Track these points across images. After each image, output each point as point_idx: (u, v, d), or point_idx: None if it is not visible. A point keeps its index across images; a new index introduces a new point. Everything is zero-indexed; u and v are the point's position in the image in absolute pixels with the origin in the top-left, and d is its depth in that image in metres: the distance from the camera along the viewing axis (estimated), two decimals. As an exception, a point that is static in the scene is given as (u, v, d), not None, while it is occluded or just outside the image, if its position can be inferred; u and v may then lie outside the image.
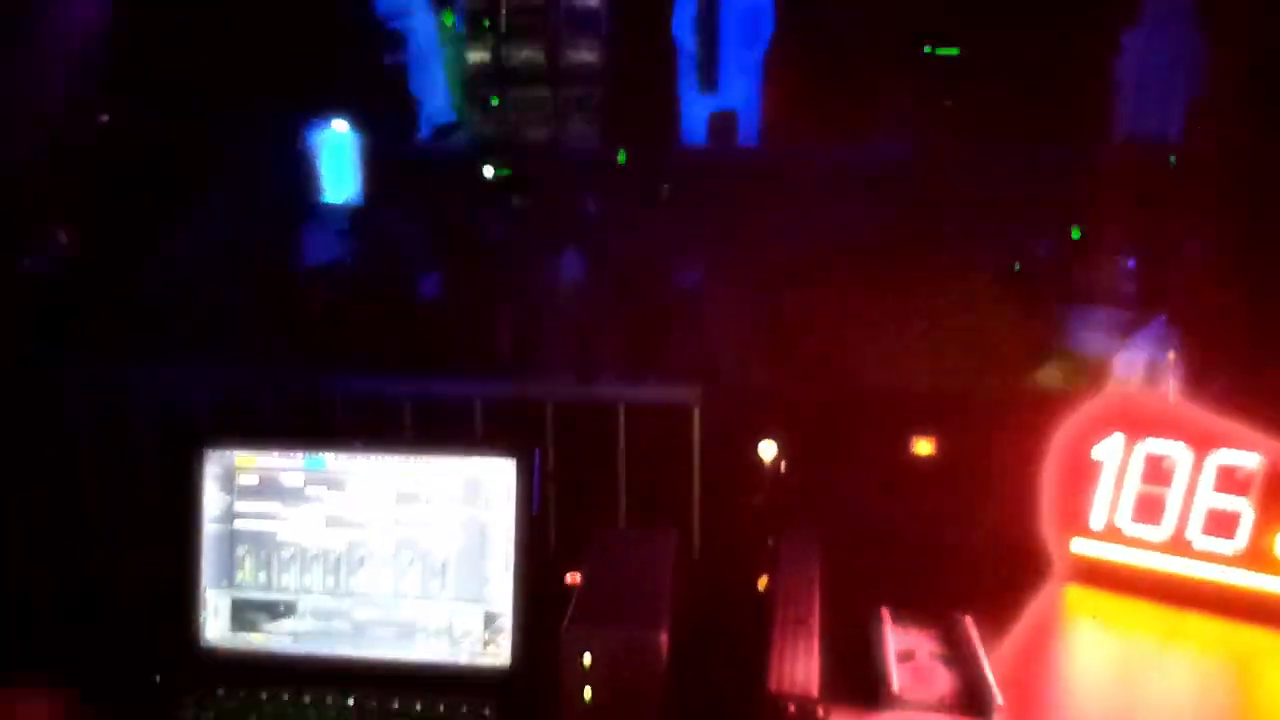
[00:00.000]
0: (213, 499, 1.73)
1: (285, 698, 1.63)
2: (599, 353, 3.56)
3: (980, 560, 1.45)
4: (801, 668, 1.17)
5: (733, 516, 1.71)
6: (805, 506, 1.62)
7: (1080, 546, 1.45)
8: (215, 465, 1.74)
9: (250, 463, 1.73)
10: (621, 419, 2.74)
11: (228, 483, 1.73)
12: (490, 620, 1.66)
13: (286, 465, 1.72)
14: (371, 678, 1.66)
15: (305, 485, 1.72)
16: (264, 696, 1.63)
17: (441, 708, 1.59)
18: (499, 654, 1.65)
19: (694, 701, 1.32)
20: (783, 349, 2.84)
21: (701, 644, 1.42)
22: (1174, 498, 1.39)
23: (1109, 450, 1.42)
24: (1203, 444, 1.38)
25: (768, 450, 1.80)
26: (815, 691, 1.13)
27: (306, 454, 1.72)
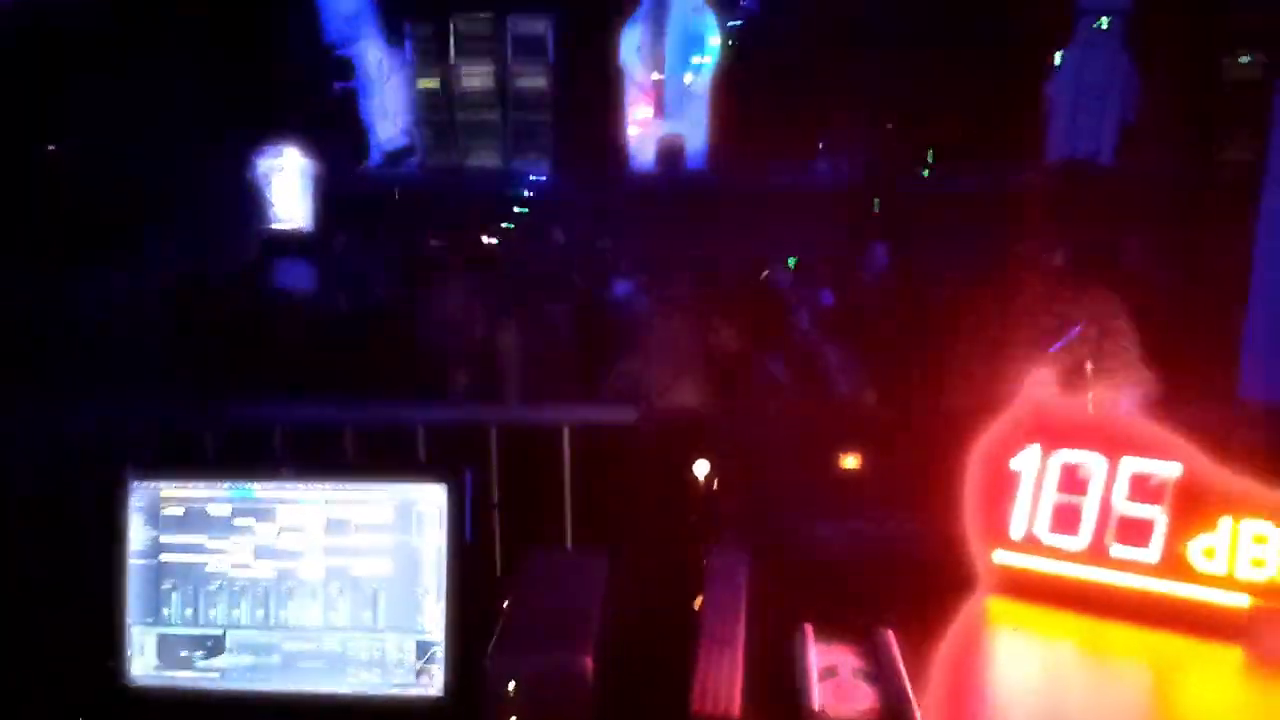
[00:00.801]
0: (138, 532, 1.70)
1: (213, 735, 1.59)
2: (547, 377, 3.57)
3: (904, 573, 1.47)
4: (725, 688, 1.17)
5: (667, 535, 1.71)
6: (735, 524, 1.62)
7: (1001, 557, 1.47)
8: (140, 498, 1.70)
9: (176, 494, 1.70)
10: (566, 441, 2.74)
11: (153, 515, 1.70)
12: (423, 650, 1.64)
13: (213, 495, 1.69)
14: (303, 712, 1.64)
15: (233, 515, 1.69)
16: (191, 734, 1.59)
17: (374, 740, 1.57)
18: (432, 684, 1.63)
19: (620, 722, 1.32)
20: (717, 371, 2.86)
21: (631, 665, 1.42)
22: (1090, 507, 1.42)
23: (1026, 461, 1.45)
24: (1116, 452, 1.41)
25: (701, 469, 1.80)
26: (737, 712, 1.13)
27: (233, 484, 1.69)
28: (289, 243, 7.30)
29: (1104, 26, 8.63)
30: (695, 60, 9.08)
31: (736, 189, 7.98)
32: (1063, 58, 8.84)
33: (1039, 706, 1.27)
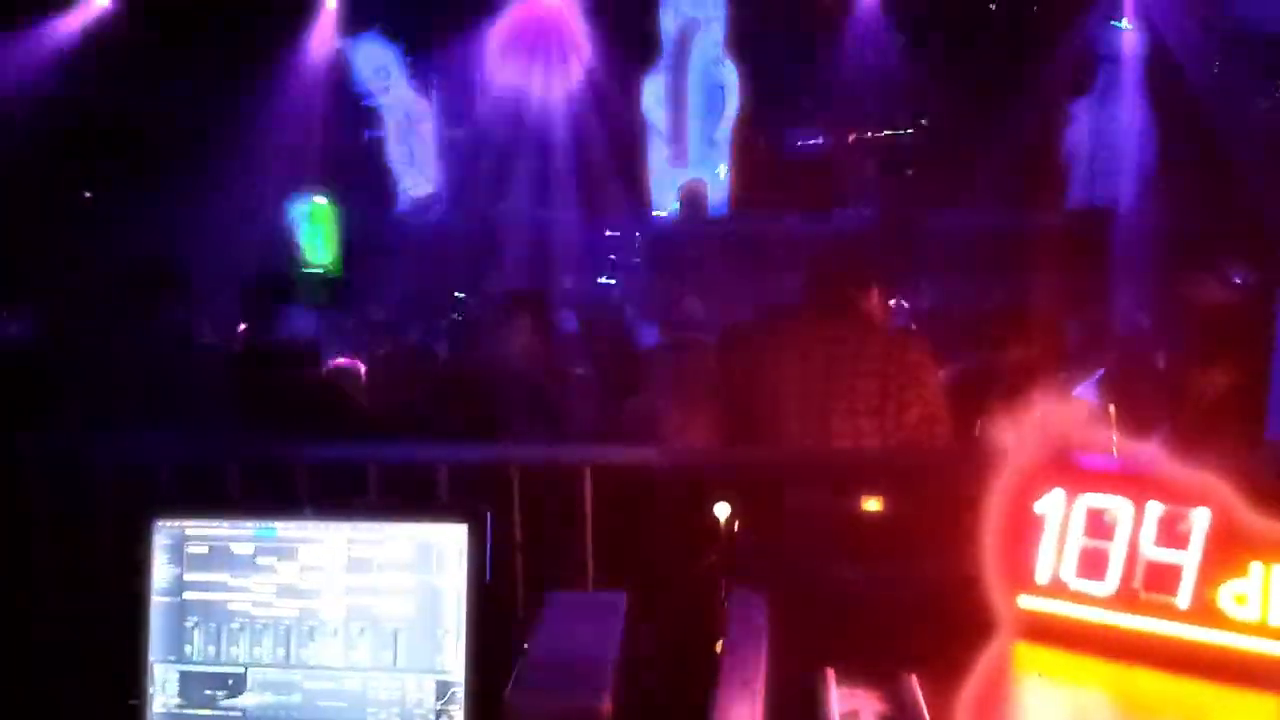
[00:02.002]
0: (162, 570, 1.71)
1: (232, 774, 1.59)
2: (568, 417, 3.57)
3: (928, 618, 1.45)
4: (745, 731, 1.16)
5: (687, 577, 1.70)
6: (756, 567, 1.62)
7: (1026, 602, 1.45)
8: (164, 536, 1.72)
9: (200, 533, 1.71)
10: (588, 482, 2.74)
11: (177, 554, 1.71)
12: (443, 690, 1.64)
13: (237, 534, 1.71)
14: (322, 752, 1.63)
15: (256, 554, 1.70)
16: (210, 773, 1.59)
17: (392, 782, 1.56)
18: (452, 725, 1.62)
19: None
20: (738, 413, 2.86)
21: (650, 707, 1.41)
22: (1117, 552, 1.40)
23: (1050, 505, 1.44)
24: (1143, 496, 1.39)
25: (722, 511, 1.80)
26: (757, 755, 1.11)
27: (257, 523, 1.71)
28: (306, 286, 7.40)
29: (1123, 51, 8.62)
30: (715, 109, 9.22)
31: (756, 235, 8.04)
32: (1080, 105, 8.89)
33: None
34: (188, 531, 1.71)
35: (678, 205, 8.94)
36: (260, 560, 1.70)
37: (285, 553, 1.70)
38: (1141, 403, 2.46)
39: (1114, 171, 8.48)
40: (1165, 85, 8.36)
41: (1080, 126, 8.59)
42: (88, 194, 8.98)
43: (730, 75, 9.28)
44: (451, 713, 1.62)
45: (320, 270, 8.39)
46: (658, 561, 1.86)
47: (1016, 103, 8.19)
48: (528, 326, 3.70)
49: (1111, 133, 8.57)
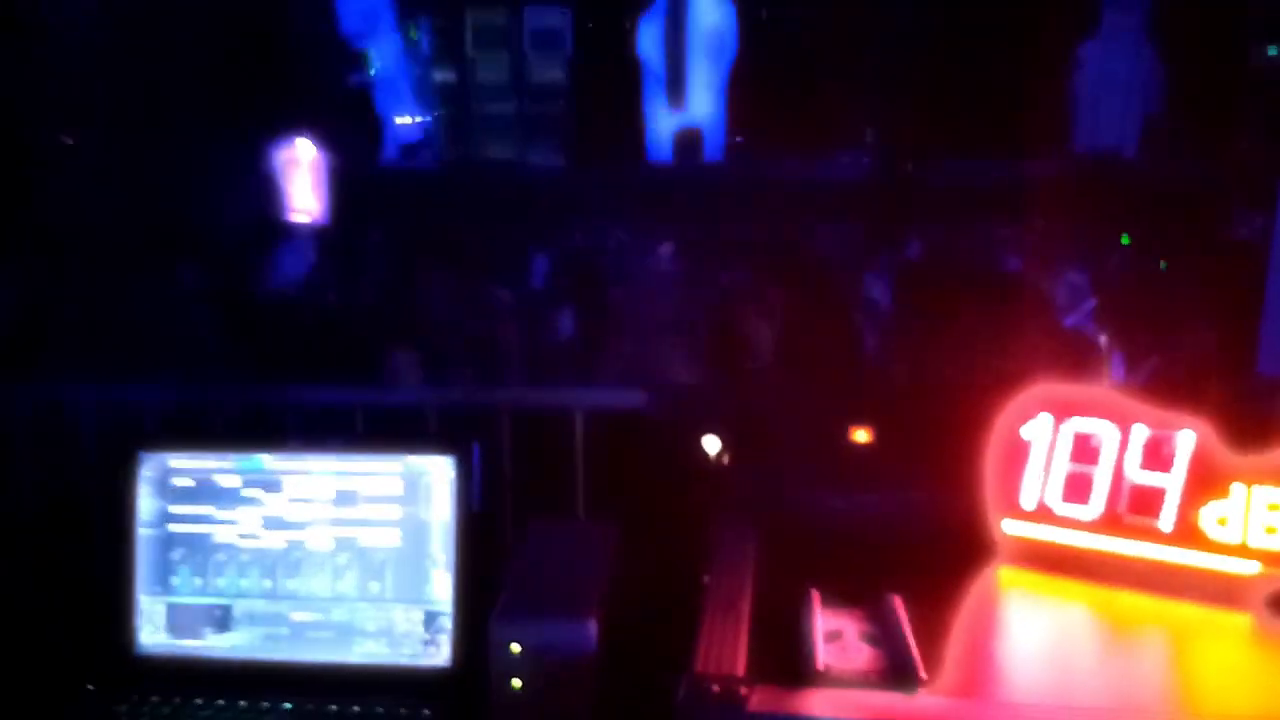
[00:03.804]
0: (147, 503, 1.71)
1: (221, 704, 1.60)
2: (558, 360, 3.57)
3: (915, 545, 1.45)
4: (729, 650, 1.17)
5: (677, 509, 1.71)
6: (745, 498, 1.62)
7: (1013, 527, 1.45)
8: (149, 469, 1.71)
9: (185, 465, 1.71)
10: (579, 425, 2.74)
11: (163, 487, 1.71)
12: (431, 620, 1.65)
13: (222, 467, 1.70)
14: (310, 682, 1.64)
15: (242, 487, 1.70)
16: (199, 703, 1.60)
17: (380, 710, 1.57)
18: (440, 654, 1.63)
19: (625, 687, 1.31)
20: (730, 350, 2.85)
21: (637, 631, 1.41)
22: (1102, 476, 1.40)
23: (1037, 430, 1.43)
24: (1128, 420, 1.39)
25: (712, 445, 1.80)
26: (740, 672, 1.12)
27: (242, 456, 1.70)
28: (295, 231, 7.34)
29: None
30: (714, 52, 9.06)
31: (753, 180, 7.95)
32: (1086, 50, 8.77)
33: (1046, 667, 1.26)
34: (171, 464, 1.70)
35: (672, 149, 8.84)
36: (246, 493, 1.69)
37: (271, 485, 1.69)
38: (1134, 336, 2.45)
39: (1119, 117, 8.41)
40: (1172, 28, 8.25)
41: (1087, 71, 8.49)
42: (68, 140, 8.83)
43: (729, 17, 9.12)
44: (440, 641, 1.63)
45: (306, 216, 8.31)
46: (649, 496, 1.86)
47: (1021, 45, 8.07)
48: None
49: (1115, 76, 8.48)
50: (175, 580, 1.69)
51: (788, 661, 1.17)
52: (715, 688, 1.10)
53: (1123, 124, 8.55)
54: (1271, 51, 9.05)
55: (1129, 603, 1.38)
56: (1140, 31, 8.66)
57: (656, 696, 1.22)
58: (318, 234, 8.01)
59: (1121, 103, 8.49)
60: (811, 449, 1.70)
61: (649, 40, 9.09)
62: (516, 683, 1.33)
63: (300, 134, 8.42)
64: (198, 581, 1.69)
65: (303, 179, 8.32)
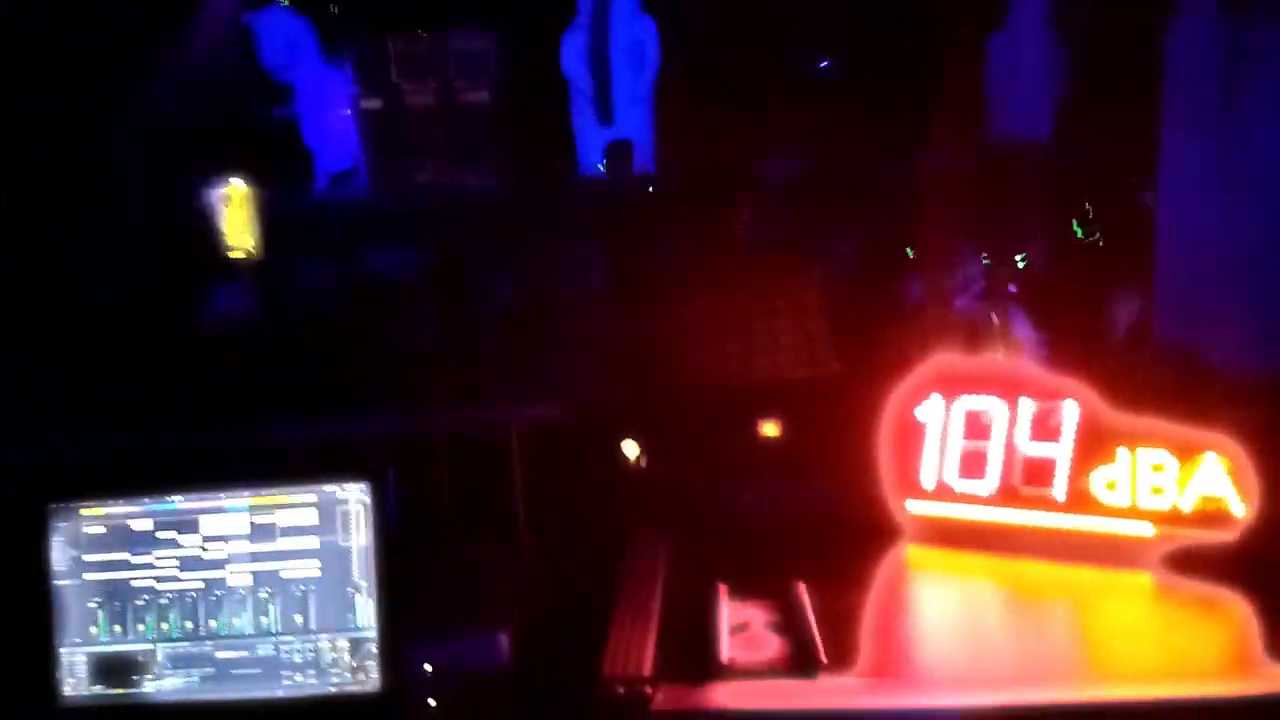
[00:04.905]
0: (60, 554, 1.68)
1: (148, 750, 1.58)
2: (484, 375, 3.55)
3: (824, 532, 1.49)
4: (636, 650, 1.19)
5: (597, 516, 1.72)
6: (660, 498, 1.64)
7: (915, 507, 1.49)
8: (60, 520, 1.68)
9: (96, 513, 1.68)
10: (514, 442, 2.73)
11: (74, 537, 1.68)
12: (357, 646, 1.64)
13: (133, 510, 1.68)
14: (241, 718, 1.62)
15: (155, 529, 1.68)
16: (126, 752, 1.58)
17: (312, 741, 1.56)
18: (368, 680, 1.63)
19: (538, 694, 1.32)
20: (644, 356, 2.86)
21: (551, 641, 1.42)
22: (995, 450, 1.44)
23: (930, 411, 1.47)
24: (1015, 394, 1.43)
25: (630, 449, 1.82)
26: (647, 672, 1.14)
27: (153, 498, 1.68)
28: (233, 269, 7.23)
29: None
30: (637, 65, 9.11)
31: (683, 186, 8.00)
32: (995, 41, 8.97)
33: (954, 640, 1.29)
34: (83, 512, 1.68)
35: (603, 165, 8.85)
36: (160, 534, 1.67)
37: (186, 526, 1.67)
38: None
39: (1028, 105, 8.61)
40: (1072, 18, 8.48)
41: (996, 62, 8.70)
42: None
43: (649, 30, 9.16)
44: (368, 668, 1.63)
45: (243, 253, 8.18)
46: (570, 504, 1.88)
47: (931, 40, 8.22)
48: None
49: (1023, 66, 8.68)
50: (94, 630, 1.67)
51: (695, 657, 1.19)
52: (621, 690, 1.12)
53: (1034, 110, 8.77)
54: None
55: (1033, 572, 1.42)
56: (1040, 18, 8.90)
57: (576, 703, 1.23)
58: (255, 269, 7.89)
59: (1030, 90, 8.71)
60: (725, 445, 1.73)
61: (572, 56, 9.11)
62: (432, 701, 1.34)
63: (230, 171, 8.29)
64: (118, 629, 1.67)
65: (235, 216, 8.20)
